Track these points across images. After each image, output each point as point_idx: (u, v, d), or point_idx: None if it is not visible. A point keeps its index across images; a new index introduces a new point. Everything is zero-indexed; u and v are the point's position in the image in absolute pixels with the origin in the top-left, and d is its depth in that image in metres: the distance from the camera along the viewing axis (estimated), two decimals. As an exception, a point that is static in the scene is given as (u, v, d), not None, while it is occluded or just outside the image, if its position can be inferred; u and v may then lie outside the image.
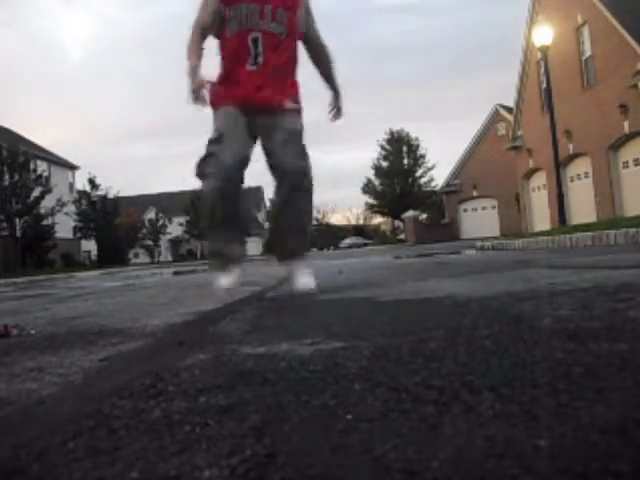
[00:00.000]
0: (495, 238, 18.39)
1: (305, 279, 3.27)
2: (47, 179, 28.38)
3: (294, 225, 3.30)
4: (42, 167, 30.51)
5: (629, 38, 15.90)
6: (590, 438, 0.72)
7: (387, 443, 0.76)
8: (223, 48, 3.22)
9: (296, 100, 3.27)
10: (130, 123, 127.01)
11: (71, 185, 38.93)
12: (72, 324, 2.66)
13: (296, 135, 3.19)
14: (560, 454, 0.68)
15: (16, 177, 26.57)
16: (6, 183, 26.28)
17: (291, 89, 3.27)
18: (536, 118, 21.42)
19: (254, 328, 2.02)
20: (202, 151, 3.20)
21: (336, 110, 3.46)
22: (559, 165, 14.57)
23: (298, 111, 3.27)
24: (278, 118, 3.14)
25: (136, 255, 48.23)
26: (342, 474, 0.69)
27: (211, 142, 3.16)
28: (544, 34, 14.97)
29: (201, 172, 3.17)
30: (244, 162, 3.16)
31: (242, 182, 3.23)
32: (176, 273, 11.10)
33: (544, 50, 14.88)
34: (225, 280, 3.42)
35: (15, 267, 24.96)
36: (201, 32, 3.20)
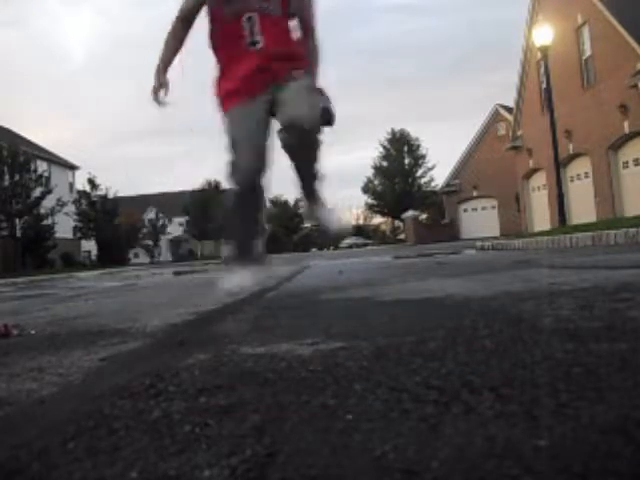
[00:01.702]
0: (495, 238, 18.40)
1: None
2: (47, 179, 28.37)
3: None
4: (42, 167, 30.51)
5: (629, 38, 15.89)
6: (590, 438, 0.72)
7: (387, 443, 0.76)
8: (218, 37, 2.99)
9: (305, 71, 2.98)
10: (130, 123, 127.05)
11: (71, 185, 38.95)
12: (72, 324, 2.66)
13: (304, 87, 2.89)
14: (560, 454, 0.68)
15: (16, 177, 26.58)
16: (6, 183, 26.28)
17: (298, 63, 2.98)
18: (536, 118, 21.41)
19: (254, 328, 2.02)
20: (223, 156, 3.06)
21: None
22: (559, 165, 14.58)
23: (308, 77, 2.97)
24: (286, 85, 2.86)
25: (136, 255, 48.22)
26: (342, 474, 0.69)
27: (227, 149, 3.00)
28: (544, 34, 14.98)
29: (226, 178, 3.07)
30: (261, 167, 2.98)
31: (261, 187, 3.06)
32: (176, 273, 11.10)
33: (544, 50, 14.89)
34: (234, 280, 3.06)
35: (15, 267, 24.96)
36: (183, 21, 3.00)
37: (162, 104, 2.99)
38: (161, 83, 2.97)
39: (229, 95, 2.99)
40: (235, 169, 2.97)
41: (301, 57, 3.09)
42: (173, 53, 3.05)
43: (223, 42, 3.00)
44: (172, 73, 3.02)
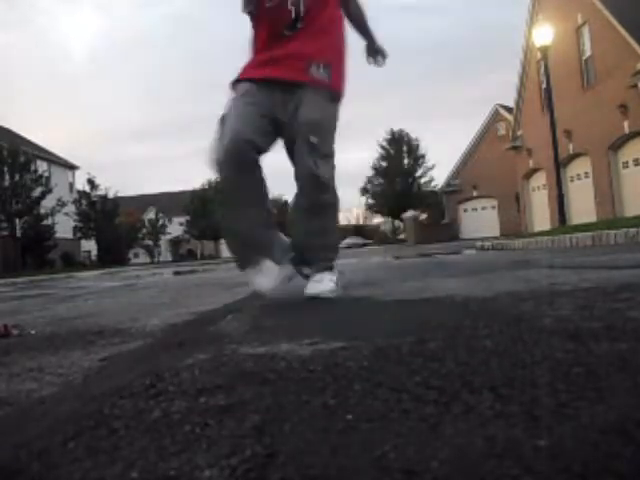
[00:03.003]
0: (495, 238, 18.40)
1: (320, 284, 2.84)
2: (47, 179, 28.37)
3: (313, 244, 2.90)
4: (42, 167, 30.53)
5: (629, 38, 15.90)
6: (590, 438, 0.72)
7: (387, 443, 0.76)
8: (259, 21, 2.79)
9: (332, 66, 2.78)
10: (130, 123, 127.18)
11: (71, 185, 38.99)
12: (72, 324, 2.66)
13: (317, 126, 2.69)
14: (560, 454, 0.68)
15: (16, 177, 26.61)
16: (6, 183, 26.30)
17: (329, 52, 2.81)
18: (536, 118, 21.42)
19: (254, 328, 2.02)
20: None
21: (376, 53, 3.12)
22: (559, 165, 14.58)
23: (331, 86, 2.77)
24: (301, 98, 2.69)
25: (136, 255, 48.29)
26: (342, 474, 0.69)
27: (217, 124, 2.75)
28: (544, 34, 14.98)
29: (210, 158, 2.76)
30: (249, 144, 2.66)
31: (250, 166, 2.71)
32: (176, 273, 11.10)
33: (544, 50, 14.89)
34: (263, 279, 2.84)
35: (15, 267, 24.98)
36: None
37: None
38: None
39: (244, 75, 2.80)
40: (222, 138, 2.67)
41: (334, 48, 2.84)
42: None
43: (264, 28, 2.79)
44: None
